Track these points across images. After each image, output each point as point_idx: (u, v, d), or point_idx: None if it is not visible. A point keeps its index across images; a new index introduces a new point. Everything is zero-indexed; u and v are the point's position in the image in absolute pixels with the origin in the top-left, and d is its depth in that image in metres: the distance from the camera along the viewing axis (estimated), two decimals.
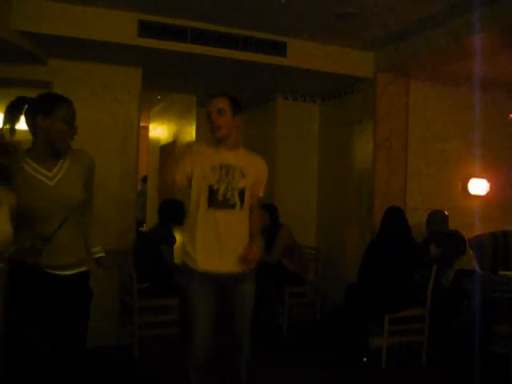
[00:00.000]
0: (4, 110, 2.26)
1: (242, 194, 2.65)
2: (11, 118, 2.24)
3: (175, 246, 4.62)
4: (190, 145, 2.83)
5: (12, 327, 2.17)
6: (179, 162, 2.68)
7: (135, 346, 4.15)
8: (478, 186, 5.29)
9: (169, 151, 7.27)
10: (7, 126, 2.22)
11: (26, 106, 2.29)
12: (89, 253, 2.47)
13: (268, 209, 4.93)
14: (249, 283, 2.73)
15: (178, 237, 4.56)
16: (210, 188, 2.59)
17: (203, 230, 2.62)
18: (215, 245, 2.62)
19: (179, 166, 2.66)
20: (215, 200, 2.60)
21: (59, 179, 2.25)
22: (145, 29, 4.03)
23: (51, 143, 2.22)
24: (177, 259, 4.46)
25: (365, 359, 4.04)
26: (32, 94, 2.30)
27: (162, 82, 5.52)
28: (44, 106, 2.22)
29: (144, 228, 7.18)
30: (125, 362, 4.08)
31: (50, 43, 3.99)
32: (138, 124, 4.72)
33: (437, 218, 4.63)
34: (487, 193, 5.31)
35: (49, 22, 3.77)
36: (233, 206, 2.63)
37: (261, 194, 2.85)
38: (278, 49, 4.47)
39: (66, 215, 2.19)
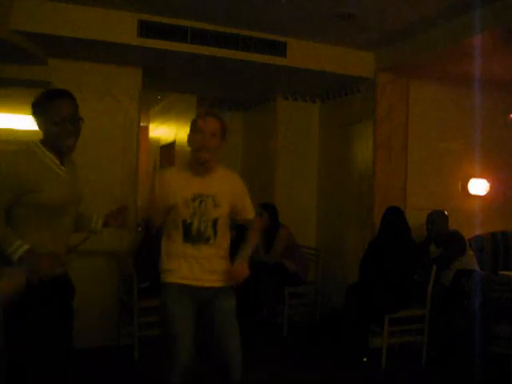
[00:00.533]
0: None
1: (215, 224, 2.57)
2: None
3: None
4: (160, 174, 2.71)
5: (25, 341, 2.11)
6: (152, 203, 2.62)
7: (135, 346, 4.15)
8: (478, 186, 5.29)
9: (169, 151, 7.27)
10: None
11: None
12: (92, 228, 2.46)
13: (267, 209, 4.94)
14: (227, 300, 2.64)
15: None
16: (184, 223, 2.54)
17: (180, 259, 2.58)
18: (192, 269, 2.57)
19: (154, 209, 2.62)
20: (189, 235, 2.55)
21: (70, 176, 2.24)
22: (145, 29, 4.03)
23: (54, 145, 2.18)
24: None
25: (365, 359, 4.04)
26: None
27: (162, 82, 5.52)
28: (35, 109, 2.18)
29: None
30: (125, 362, 4.08)
31: (50, 43, 3.99)
32: (138, 124, 4.72)
33: (436, 219, 4.63)
34: (487, 193, 5.31)
35: (49, 22, 3.77)
36: (207, 240, 2.57)
37: (250, 216, 2.75)
38: (278, 49, 4.47)
39: (88, 235, 2.21)
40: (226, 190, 2.62)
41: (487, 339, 3.84)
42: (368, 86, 4.96)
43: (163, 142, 7.73)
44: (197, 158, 2.54)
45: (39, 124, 2.18)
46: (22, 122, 7.02)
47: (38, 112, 2.17)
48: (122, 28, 3.98)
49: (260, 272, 4.44)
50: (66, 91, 2.21)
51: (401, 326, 4.08)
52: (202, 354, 2.64)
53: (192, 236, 2.55)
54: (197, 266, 2.58)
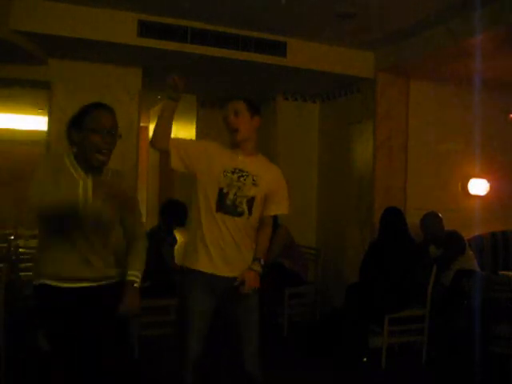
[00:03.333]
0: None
1: (250, 202, 2.55)
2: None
3: (176, 247, 4.62)
4: (211, 140, 2.71)
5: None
6: (190, 143, 2.64)
7: (135, 346, 4.14)
8: (478, 186, 5.29)
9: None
10: None
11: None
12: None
13: None
14: (250, 296, 2.60)
15: (179, 237, 4.56)
16: (220, 191, 2.52)
17: (207, 233, 2.54)
18: (218, 248, 2.55)
19: (187, 146, 2.60)
20: (224, 204, 2.52)
21: (96, 190, 2.14)
22: (145, 29, 4.04)
23: (85, 157, 2.12)
24: (177, 260, 4.46)
25: (365, 359, 4.04)
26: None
27: (162, 82, 5.50)
28: (75, 119, 2.13)
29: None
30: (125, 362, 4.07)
31: (50, 43, 3.99)
32: (138, 124, 4.72)
33: (428, 222, 4.60)
34: (487, 193, 5.31)
35: (49, 22, 3.78)
36: (240, 214, 2.54)
37: (285, 211, 2.71)
38: (278, 49, 4.47)
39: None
40: (267, 175, 2.64)
41: (487, 339, 3.84)
42: (368, 86, 4.95)
43: None
44: (233, 141, 2.60)
45: (73, 139, 2.13)
46: (22, 122, 7.02)
47: (74, 125, 2.12)
48: (121, 28, 3.99)
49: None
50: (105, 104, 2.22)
51: (401, 326, 4.07)
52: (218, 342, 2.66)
53: (226, 206, 2.52)
54: (224, 253, 2.54)
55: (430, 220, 4.60)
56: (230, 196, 2.52)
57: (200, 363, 2.60)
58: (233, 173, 2.54)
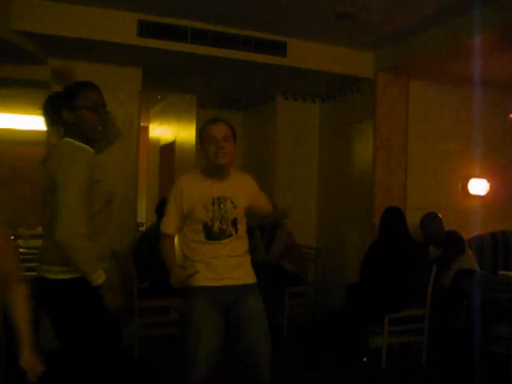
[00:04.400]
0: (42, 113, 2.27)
1: (234, 223, 2.64)
2: (53, 121, 2.26)
3: (175, 245, 4.61)
4: (176, 186, 2.72)
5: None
6: (168, 213, 2.66)
7: (135, 346, 4.14)
8: (478, 186, 5.29)
9: (169, 151, 7.26)
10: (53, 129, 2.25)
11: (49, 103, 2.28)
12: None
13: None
14: (255, 300, 2.66)
15: (177, 237, 4.56)
16: (205, 225, 2.59)
17: (203, 256, 2.61)
18: (216, 265, 2.60)
19: (169, 219, 2.66)
20: (211, 234, 2.60)
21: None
22: (145, 29, 4.03)
23: (82, 134, 2.21)
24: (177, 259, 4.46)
25: (365, 359, 4.04)
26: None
27: (162, 82, 5.52)
28: (66, 100, 2.21)
29: (143, 228, 7.18)
30: (125, 362, 4.07)
31: (50, 43, 3.99)
32: (138, 124, 4.72)
33: (427, 223, 4.59)
34: (487, 193, 5.31)
35: (49, 22, 3.77)
36: (229, 236, 2.63)
37: (269, 208, 2.92)
38: (278, 49, 4.47)
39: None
40: (242, 191, 2.69)
41: (487, 339, 3.84)
42: (368, 86, 4.95)
43: (163, 142, 7.73)
44: (216, 164, 2.57)
45: (66, 120, 2.19)
46: (22, 122, 7.02)
47: (66, 105, 2.18)
48: (121, 28, 3.98)
49: (260, 272, 4.43)
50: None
51: (401, 325, 4.07)
52: (230, 355, 2.66)
53: (214, 235, 2.60)
54: (221, 264, 2.60)
55: (430, 220, 4.59)
56: (216, 226, 2.60)
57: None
58: (213, 204, 2.60)
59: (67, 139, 2.20)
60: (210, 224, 2.59)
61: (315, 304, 5.16)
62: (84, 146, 2.20)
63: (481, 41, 3.81)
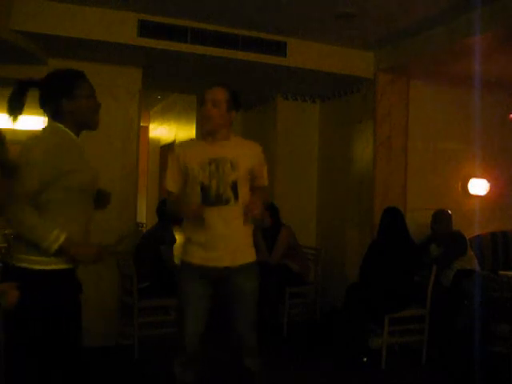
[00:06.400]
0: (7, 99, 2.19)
1: (234, 187, 2.57)
2: (15, 108, 2.20)
3: (175, 246, 4.62)
4: (172, 149, 2.75)
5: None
6: (167, 172, 2.68)
7: (135, 346, 4.14)
8: (478, 186, 5.29)
9: (169, 151, 7.27)
10: (12, 117, 2.21)
11: (40, 92, 2.25)
12: None
13: (268, 209, 4.93)
14: (248, 280, 2.65)
15: (178, 236, 4.56)
16: (202, 186, 2.56)
17: (198, 227, 2.58)
18: (211, 240, 2.58)
19: (169, 177, 2.68)
20: (208, 198, 2.56)
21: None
22: (145, 29, 4.03)
23: (81, 123, 2.22)
24: (177, 259, 4.46)
25: (365, 359, 4.04)
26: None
27: (162, 81, 5.52)
28: (65, 89, 2.19)
29: (144, 228, 7.18)
30: (125, 362, 4.08)
31: (50, 43, 3.99)
32: (138, 124, 4.72)
33: (442, 217, 4.63)
34: (487, 193, 5.31)
35: (49, 22, 3.77)
36: (227, 202, 2.57)
37: (265, 183, 2.79)
38: (278, 49, 4.47)
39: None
40: (245, 153, 2.64)
41: (487, 339, 3.84)
42: (368, 86, 4.95)
43: (163, 142, 7.74)
44: (203, 129, 2.62)
45: (65, 108, 2.17)
46: (22, 122, 7.03)
47: (66, 95, 2.17)
48: (121, 28, 3.98)
49: (262, 273, 4.43)
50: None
51: (401, 325, 4.07)
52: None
53: (211, 198, 2.56)
54: (211, 242, 2.58)
55: (444, 216, 4.63)
56: (213, 187, 2.56)
57: (196, 358, 2.67)
58: (210, 164, 2.57)
59: (58, 124, 2.19)
60: (206, 185, 2.55)
61: (315, 304, 5.16)
62: (70, 132, 2.20)
63: (481, 41, 3.81)
